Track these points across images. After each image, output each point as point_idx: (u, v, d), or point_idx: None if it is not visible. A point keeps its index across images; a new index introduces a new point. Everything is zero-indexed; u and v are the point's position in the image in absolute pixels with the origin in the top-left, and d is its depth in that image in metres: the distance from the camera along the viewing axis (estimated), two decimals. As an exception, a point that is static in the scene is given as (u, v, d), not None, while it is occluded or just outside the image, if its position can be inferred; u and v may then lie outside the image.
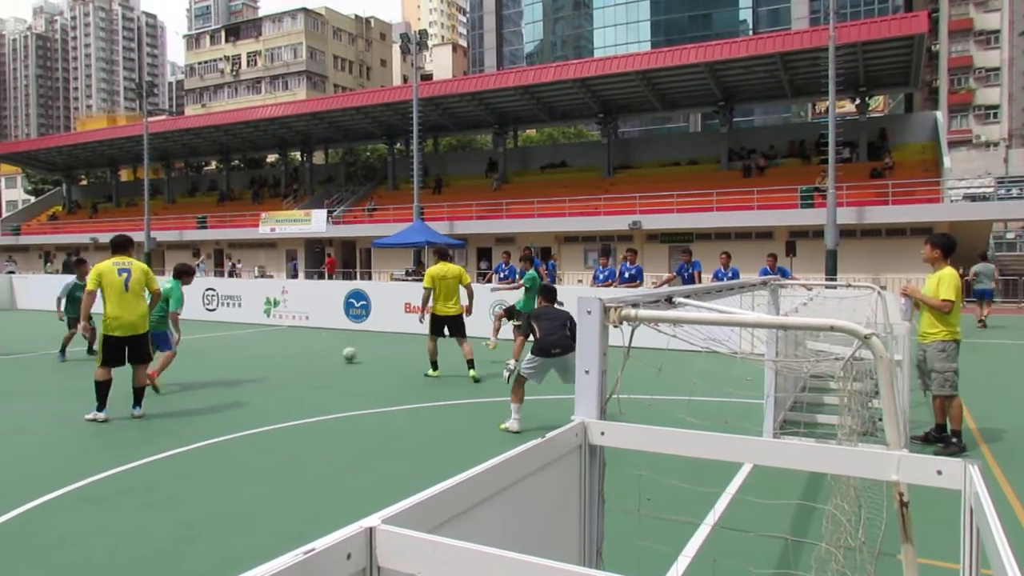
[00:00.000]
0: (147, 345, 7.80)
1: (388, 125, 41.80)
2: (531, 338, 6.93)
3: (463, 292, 10.26)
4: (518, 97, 36.27)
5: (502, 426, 6.90)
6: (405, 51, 33.96)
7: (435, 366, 10.30)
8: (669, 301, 2.61)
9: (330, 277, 34.22)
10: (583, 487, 2.18)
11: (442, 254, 10.58)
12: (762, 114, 64.70)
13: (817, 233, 26.43)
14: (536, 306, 7.20)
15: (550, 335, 6.63)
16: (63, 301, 12.68)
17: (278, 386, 9.58)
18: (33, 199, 67.86)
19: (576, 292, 15.93)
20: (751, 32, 63.75)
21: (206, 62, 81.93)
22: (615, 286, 14.31)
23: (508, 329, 13.64)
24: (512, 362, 6.81)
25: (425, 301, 10.14)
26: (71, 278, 12.99)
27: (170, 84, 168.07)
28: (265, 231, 40.83)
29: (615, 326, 2.23)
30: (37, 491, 5.16)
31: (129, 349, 7.61)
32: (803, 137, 34.47)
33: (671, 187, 31.92)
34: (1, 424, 7.44)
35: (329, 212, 39.84)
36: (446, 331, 10.17)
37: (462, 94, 36.91)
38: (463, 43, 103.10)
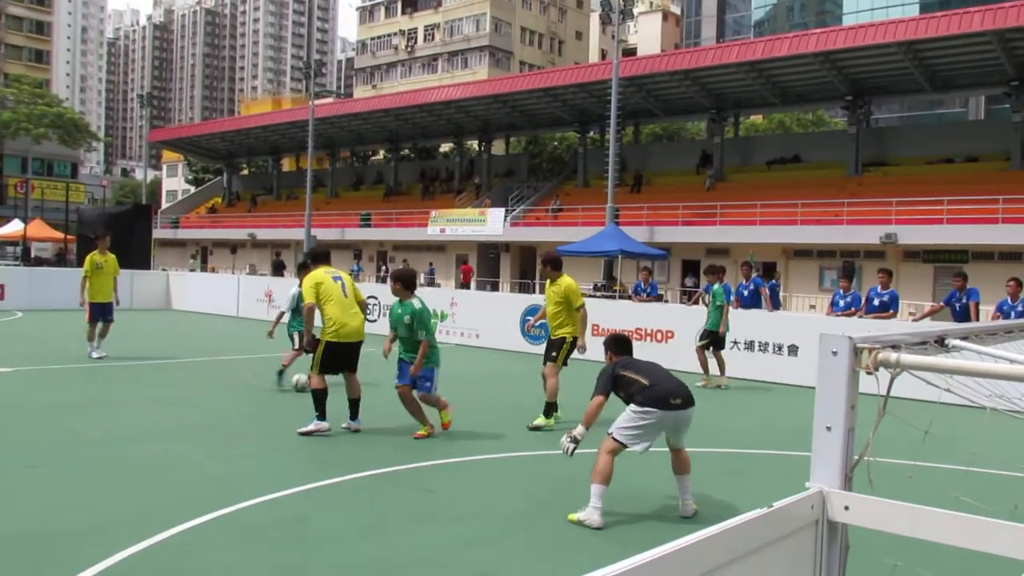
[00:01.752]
0: (359, 355, 8.72)
1: (580, 110, 42.46)
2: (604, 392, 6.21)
3: None
4: (742, 76, 35.52)
5: (575, 517, 5.94)
6: (605, 21, 34.51)
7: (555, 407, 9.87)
8: (940, 343, 2.48)
9: (466, 287, 35.23)
10: (818, 574, 2.12)
11: (556, 264, 10.43)
12: (1075, 96, 58.85)
13: None
14: (609, 360, 6.52)
15: (665, 381, 6.15)
16: (288, 313, 11.75)
17: (455, 414, 9.88)
18: (193, 189, 75.76)
19: (810, 321, 15.32)
20: (1063, -12, 58.29)
21: (379, 37, 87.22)
22: (860, 316, 13.63)
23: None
24: (581, 429, 6.16)
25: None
26: (295, 286, 11.40)
27: (339, 63, 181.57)
28: (434, 232, 42.64)
29: (869, 372, 2.16)
30: (192, 512, 5.72)
31: (349, 358, 8.57)
32: None
33: (940, 191, 29.83)
34: (162, 435, 8.37)
35: (507, 212, 40.94)
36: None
37: (672, 72, 36.69)
38: (675, 10, 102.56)
